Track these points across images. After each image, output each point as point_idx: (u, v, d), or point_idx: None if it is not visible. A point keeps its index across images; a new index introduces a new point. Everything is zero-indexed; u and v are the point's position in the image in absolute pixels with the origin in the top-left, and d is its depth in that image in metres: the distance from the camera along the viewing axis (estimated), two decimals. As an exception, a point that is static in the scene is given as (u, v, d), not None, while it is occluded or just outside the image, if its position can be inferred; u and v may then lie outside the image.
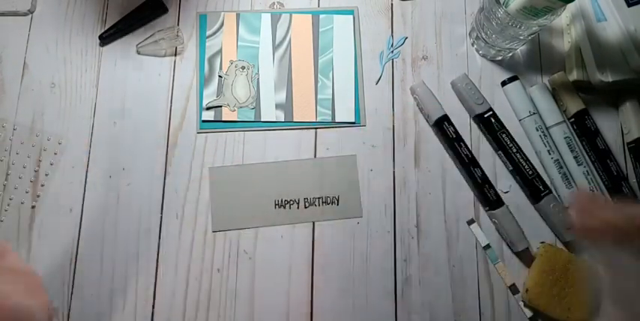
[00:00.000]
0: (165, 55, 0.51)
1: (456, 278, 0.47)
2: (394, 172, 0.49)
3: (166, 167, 0.49)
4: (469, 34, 0.53)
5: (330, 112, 0.50)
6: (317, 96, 0.50)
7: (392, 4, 0.53)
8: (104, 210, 0.47)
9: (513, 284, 0.47)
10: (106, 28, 0.51)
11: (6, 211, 0.47)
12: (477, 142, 0.50)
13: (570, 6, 0.46)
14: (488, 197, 0.47)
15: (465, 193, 0.49)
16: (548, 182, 0.48)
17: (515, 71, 0.52)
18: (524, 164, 0.48)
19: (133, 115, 0.50)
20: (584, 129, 0.49)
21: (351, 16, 0.52)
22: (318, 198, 0.48)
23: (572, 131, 0.50)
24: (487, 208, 0.48)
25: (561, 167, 0.48)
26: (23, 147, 0.49)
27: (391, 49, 0.52)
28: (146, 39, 0.51)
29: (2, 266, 0.34)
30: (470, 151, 0.48)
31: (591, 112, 0.50)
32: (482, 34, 0.49)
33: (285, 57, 0.51)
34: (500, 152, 0.49)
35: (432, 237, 0.48)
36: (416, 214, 0.48)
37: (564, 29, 0.52)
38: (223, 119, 0.49)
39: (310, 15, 0.52)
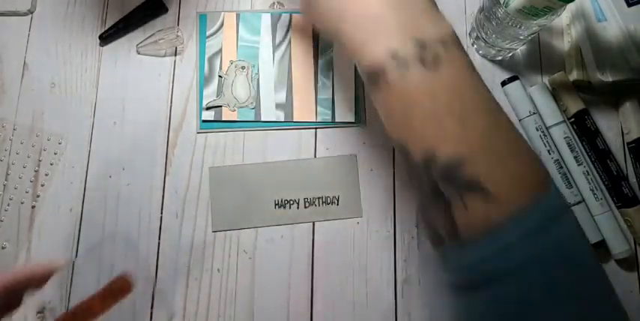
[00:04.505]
0: (165, 55, 0.51)
1: (456, 278, 0.47)
2: (394, 172, 0.49)
3: (166, 167, 0.49)
4: (469, 34, 0.53)
5: (330, 112, 0.50)
6: (317, 96, 0.50)
7: (392, 4, 0.53)
8: (104, 210, 0.48)
9: (513, 284, 0.47)
10: (106, 28, 0.51)
11: (6, 211, 0.47)
12: (477, 142, 0.50)
13: (570, 6, 0.46)
14: (488, 197, 0.47)
15: (465, 193, 0.49)
16: (548, 182, 0.48)
17: (515, 71, 0.52)
18: (524, 164, 0.48)
19: (132, 115, 0.50)
20: (584, 129, 0.49)
21: (351, 16, 0.52)
22: (318, 198, 0.48)
23: (572, 131, 0.50)
24: (487, 208, 0.48)
25: (561, 167, 0.48)
26: (23, 147, 0.49)
27: (391, 49, 0.52)
28: (146, 39, 0.51)
29: None
30: (470, 151, 0.48)
31: (591, 112, 0.50)
32: (482, 34, 0.49)
33: (285, 57, 0.51)
34: (500, 152, 0.49)
35: (432, 237, 0.48)
36: (416, 214, 0.48)
37: (564, 29, 0.52)
38: (223, 119, 0.49)
39: (310, 15, 0.52)
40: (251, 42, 0.51)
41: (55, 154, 0.49)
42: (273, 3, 0.53)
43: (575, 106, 0.49)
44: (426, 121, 0.30)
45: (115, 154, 0.49)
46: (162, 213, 0.48)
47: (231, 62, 0.51)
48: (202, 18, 0.52)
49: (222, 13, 0.52)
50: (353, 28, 0.32)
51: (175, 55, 0.51)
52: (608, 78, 0.47)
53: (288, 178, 0.48)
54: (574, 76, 0.50)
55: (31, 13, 0.52)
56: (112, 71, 0.51)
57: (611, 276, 0.47)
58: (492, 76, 0.51)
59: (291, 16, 0.52)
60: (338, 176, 0.49)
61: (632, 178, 0.49)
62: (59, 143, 0.49)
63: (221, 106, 0.50)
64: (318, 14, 0.35)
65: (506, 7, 0.43)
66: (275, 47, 0.51)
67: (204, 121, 0.50)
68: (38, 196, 0.48)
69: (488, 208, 0.28)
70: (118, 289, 0.41)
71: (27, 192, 0.48)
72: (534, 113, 0.49)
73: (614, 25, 0.47)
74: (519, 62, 0.52)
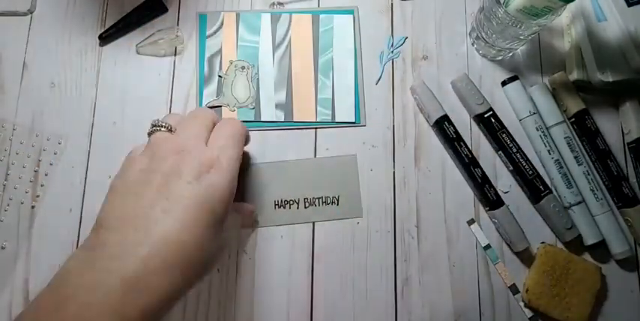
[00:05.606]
0: (164, 55, 0.51)
1: (456, 278, 0.47)
2: (394, 172, 0.49)
3: (166, 167, 0.48)
4: (469, 34, 0.53)
5: (330, 112, 0.50)
6: (317, 96, 0.50)
7: (392, 4, 0.53)
8: (104, 210, 0.47)
9: (513, 284, 0.47)
10: (106, 28, 0.51)
11: (6, 211, 0.47)
12: (477, 142, 0.50)
13: (570, 6, 0.46)
14: (488, 197, 0.47)
15: (465, 193, 0.49)
16: (548, 182, 0.48)
17: (515, 71, 0.52)
18: (524, 164, 0.48)
19: (132, 115, 0.50)
20: (584, 129, 0.49)
21: (351, 16, 0.52)
22: (318, 198, 0.48)
23: (572, 131, 0.50)
24: (487, 208, 0.48)
25: (561, 167, 0.48)
26: (23, 147, 0.49)
27: (391, 49, 0.52)
28: (146, 39, 0.51)
29: None
30: (470, 151, 0.48)
31: (591, 112, 0.50)
32: (483, 34, 0.49)
33: (285, 57, 0.51)
34: (500, 152, 0.49)
35: (432, 237, 0.48)
36: (416, 214, 0.48)
37: (564, 29, 0.52)
38: (223, 119, 0.49)
39: (310, 15, 0.52)
40: (251, 42, 0.51)
41: (55, 154, 0.49)
42: (273, 3, 0.53)
43: (575, 106, 0.49)
44: None
45: (115, 154, 0.49)
46: (162, 213, 0.47)
47: (231, 62, 0.51)
48: (202, 18, 0.52)
49: (222, 13, 0.52)
50: None
51: (175, 55, 0.51)
52: (608, 78, 0.47)
53: (287, 178, 0.48)
54: (574, 76, 0.50)
55: (31, 13, 0.52)
56: (112, 71, 0.51)
57: (611, 276, 0.47)
58: (492, 76, 0.51)
59: (290, 16, 0.52)
60: (338, 176, 0.49)
61: (632, 178, 0.49)
62: (59, 143, 0.49)
63: (221, 106, 0.50)
64: None
65: (506, 7, 0.43)
66: (275, 47, 0.51)
67: (204, 121, 0.49)
68: (38, 197, 0.48)
69: None
70: None
71: (27, 192, 0.48)
72: (534, 113, 0.49)
73: (614, 25, 0.47)
74: (519, 62, 0.52)
